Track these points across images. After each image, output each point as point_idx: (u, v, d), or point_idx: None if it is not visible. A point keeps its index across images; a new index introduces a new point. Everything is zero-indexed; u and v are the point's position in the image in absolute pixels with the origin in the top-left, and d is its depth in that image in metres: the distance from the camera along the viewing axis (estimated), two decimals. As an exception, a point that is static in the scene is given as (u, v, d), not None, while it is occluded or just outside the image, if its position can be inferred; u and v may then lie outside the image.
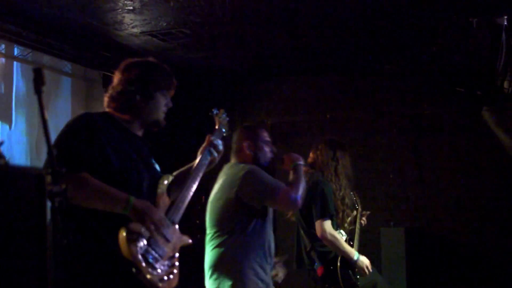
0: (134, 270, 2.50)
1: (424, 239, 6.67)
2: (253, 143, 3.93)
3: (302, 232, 4.82)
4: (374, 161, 7.00)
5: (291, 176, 3.86)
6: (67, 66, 6.46)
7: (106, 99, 2.92)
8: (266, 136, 4.03)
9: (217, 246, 3.87)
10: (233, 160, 3.99)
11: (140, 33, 5.79)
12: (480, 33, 4.86)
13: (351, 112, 7.21)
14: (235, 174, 3.83)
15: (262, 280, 3.72)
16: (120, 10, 5.15)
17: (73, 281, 2.55)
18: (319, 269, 4.62)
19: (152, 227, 2.61)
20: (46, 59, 6.09)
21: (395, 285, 5.86)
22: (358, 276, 4.64)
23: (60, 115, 6.48)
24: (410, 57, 6.67)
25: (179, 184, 3.04)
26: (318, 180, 4.73)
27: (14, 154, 5.40)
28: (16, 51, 5.75)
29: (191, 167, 3.20)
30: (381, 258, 6.20)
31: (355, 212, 4.97)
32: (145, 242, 2.58)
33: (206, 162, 3.21)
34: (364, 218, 5.12)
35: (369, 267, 4.70)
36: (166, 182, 2.93)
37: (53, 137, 1.92)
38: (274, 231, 7.42)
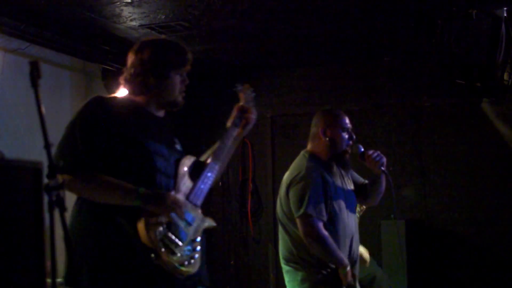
0: (152, 255, 2.50)
1: (425, 232, 6.67)
2: (331, 130, 3.76)
3: None
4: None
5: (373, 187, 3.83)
6: (66, 59, 6.45)
7: (121, 81, 2.90)
8: (346, 122, 3.82)
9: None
10: (308, 146, 3.86)
11: (139, 26, 5.78)
12: (479, 25, 4.86)
13: (350, 105, 7.20)
14: (293, 171, 3.77)
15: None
16: (118, 3, 5.14)
17: (91, 268, 2.54)
18: None
19: (170, 212, 2.61)
20: (44, 52, 6.08)
21: (396, 278, 5.86)
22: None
23: (59, 108, 6.47)
24: (409, 49, 6.65)
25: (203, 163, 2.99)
26: None
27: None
28: (14, 45, 5.74)
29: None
30: (382, 251, 6.19)
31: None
32: (164, 227, 2.58)
33: (234, 133, 3.12)
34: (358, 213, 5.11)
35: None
36: (187, 163, 2.90)
37: (50, 131, 1.91)
38: (274, 223, 7.45)
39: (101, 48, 6.26)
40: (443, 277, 6.58)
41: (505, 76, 5.03)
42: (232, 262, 7.60)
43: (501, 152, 6.42)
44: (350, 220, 3.78)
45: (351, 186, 3.91)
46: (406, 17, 5.61)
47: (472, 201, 6.57)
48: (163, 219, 2.59)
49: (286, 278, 3.79)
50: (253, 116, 3.15)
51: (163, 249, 2.53)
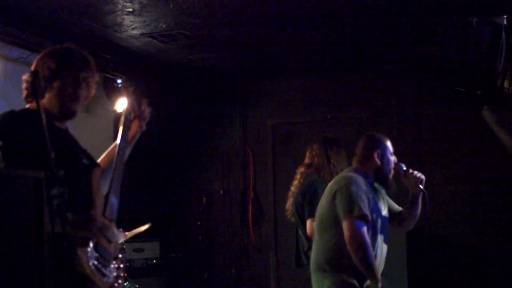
0: (88, 285, 2.39)
1: (426, 240, 6.65)
2: (382, 153, 3.91)
3: (300, 232, 4.84)
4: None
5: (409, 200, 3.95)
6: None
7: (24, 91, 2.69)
8: (391, 147, 3.99)
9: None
10: (354, 164, 3.97)
11: (140, 35, 5.80)
12: (479, 33, 4.86)
13: (351, 113, 7.20)
14: (339, 181, 3.83)
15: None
16: (119, 12, 5.16)
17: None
18: None
19: (99, 235, 2.50)
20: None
21: (396, 286, 5.84)
22: None
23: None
24: (410, 57, 6.66)
25: (107, 172, 2.81)
26: (312, 180, 4.76)
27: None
28: (15, 54, 5.75)
29: (114, 148, 2.94)
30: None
31: None
32: (93, 250, 2.46)
33: (126, 135, 2.94)
34: None
35: None
36: (98, 175, 2.72)
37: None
38: (275, 231, 7.45)
39: (102, 56, 6.28)
40: (444, 284, 6.56)
41: (505, 84, 5.03)
42: (233, 270, 7.59)
43: (502, 159, 6.42)
44: (384, 247, 3.88)
45: (386, 212, 4.00)
46: (407, 25, 5.62)
47: (473, 208, 6.56)
48: (91, 242, 2.47)
49: (319, 284, 3.84)
50: (142, 122, 3.04)
51: (96, 274, 2.43)
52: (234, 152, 7.83)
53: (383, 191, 4.02)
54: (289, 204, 4.97)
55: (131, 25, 5.51)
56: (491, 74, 4.87)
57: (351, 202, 3.63)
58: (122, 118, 2.97)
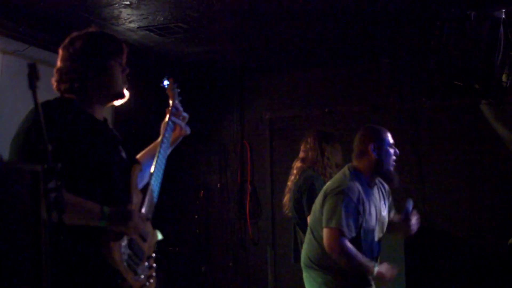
0: (119, 281, 2.38)
1: (424, 236, 6.65)
2: (379, 146, 3.78)
3: (297, 227, 4.84)
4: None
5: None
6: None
7: (54, 83, 2.61)
8: (390, 138, 3.87)
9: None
10: (354, 162, 3.86)
11: (137, 28, 5.78)
12: (478, 26, 4.85)
13: (349, 106, 7.20)
14: (334, 182, 3.80)
15: None
16: (117, 5, 5.14)
17: (61, 280, 2.27)
18: None
19: (136, 231, 2.46)
20: (43, 54, 6.08)
21: (394, 283, 5.84)
22: None
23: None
24: (408, 51, 6.66)
25: (145, 170, 2.79)
26: (307, 176, 4.75)
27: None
28: (12, 47, 5.73)
29: (155, 147, 2.91)
30: (379, 256, 6.18)
31: None
32: (126, 245, 2.43)
33: (169, 137, 2.93)
34: None
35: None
36: (137, 172, 2.67)
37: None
38: (272, 225, 7.45)
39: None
40: (442, 281, 6.57)
41: (504, 78, 5.02)
42: (230, 264, 7.60)
43: (500, 153, 6.42)
44: (375, 245, 3.84)
45: (386, 213, 3.98)
46: (405, 19, 5.61)
47: (471, 202, 6.55)
48: (126, 238, 2.43)
49: (310, 280, 3.83)
50: (184, 125, 3.03)
51: (127, 272, 2.40)
52: (231, 145, 7.83)
53: (387, 188, 4.00)
54: (287, 199, 4.97)
55: (128, 18, 5.50)
56: (489, 68, 4.87)
57: (334, 213, 3.59)
58: (166, 119, 2.94)
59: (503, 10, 4.82)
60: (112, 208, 2.39)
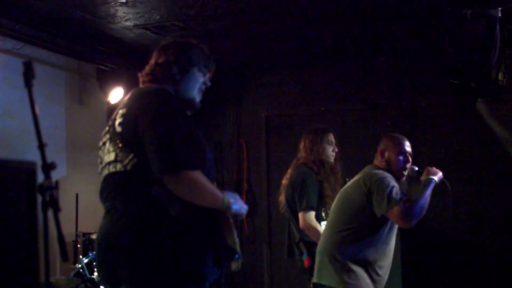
0: (237, 256, 2.73)
1: (420, 235, 6.65)
2: (388, 152, 4.07)
3: (292, 224, 4.85)
4: (369, 154, 6.97)
5: (418, 189, 4.00)
6: (60, 59, 6.45)
7: (141, 78, 2.95)
8: (405, 146, 4.10)
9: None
10: (375, 161, 4.17)
11: (134, 26, 5.77)
12: (474, 25, 4.86)
13: (346, 105, 7.20)
14: (367, 177, 3.95)
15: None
16: (113, 3, 5.13)
17: (180, 254, 2.58)
18: (306, 260, 4.66)
19: (237, 217, 2.83)
20: (39, 52, 6.07)
21: (390, 283, 5.85)
22: None
23: (54, 109, 6.46)
24: (404, 49, 6.66)
25: None
26: (299, 172, 4.77)
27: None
28: (8, 45, 5.73)
29: None
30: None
31: None
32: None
33: None
34: None
35: None
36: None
37: (44, 132, 1.90)
38: (268, 222, 7.45)
39: (95, 48, 6.25)
40: (439, 282, 6.57)
41: (500, 76, 5.03)
42: (227, 262, 7.59)
43: (496, 151, 6.42)
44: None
45: None
46: (401, 17, 5.61)
47: (468, 201, 6.54)
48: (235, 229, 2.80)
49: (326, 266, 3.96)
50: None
51: (241, 255, 2.77)
52: (227, 143, 7.83)
53: None
54: (282, 197, 4.98)
55: (125, 16, 5.49)
56: (486, 67, 4.87)
57: (389, 196, 3.78)
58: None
59: (499, 9, 4.83)
60: (229, 198, 2.72)
